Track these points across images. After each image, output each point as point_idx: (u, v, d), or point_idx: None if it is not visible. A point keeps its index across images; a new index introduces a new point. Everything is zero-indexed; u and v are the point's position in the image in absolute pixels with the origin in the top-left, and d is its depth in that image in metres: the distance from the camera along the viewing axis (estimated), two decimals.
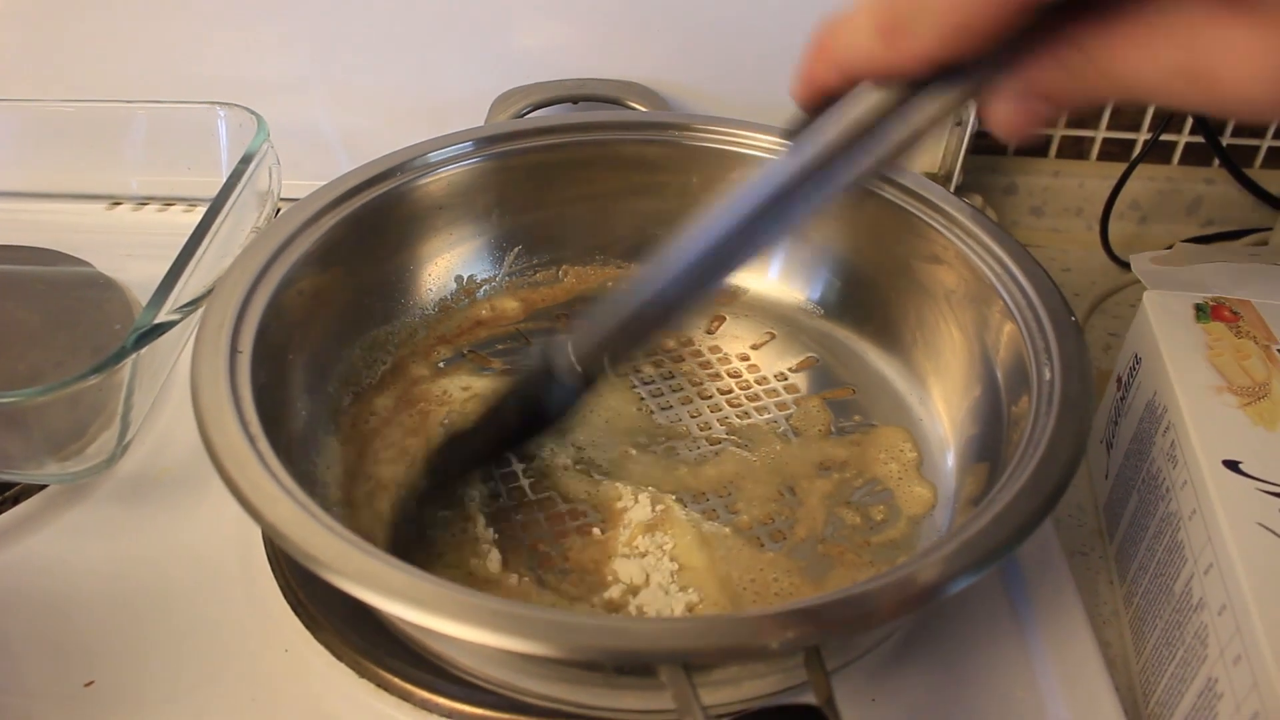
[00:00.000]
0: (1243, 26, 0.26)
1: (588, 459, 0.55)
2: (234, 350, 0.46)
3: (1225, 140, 0.82)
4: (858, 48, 0.32)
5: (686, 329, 0.65)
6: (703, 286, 0.42)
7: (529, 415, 0.51)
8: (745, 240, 0.40)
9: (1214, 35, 0.26)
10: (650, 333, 0.46)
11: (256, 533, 0.52)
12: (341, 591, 0.37)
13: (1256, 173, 0.83)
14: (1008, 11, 0.28)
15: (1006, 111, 0.32)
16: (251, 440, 0.42)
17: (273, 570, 0.51)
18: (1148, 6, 0.27)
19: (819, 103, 0.36)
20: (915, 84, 0.33)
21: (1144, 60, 0.28)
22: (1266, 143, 0.82)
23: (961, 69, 0.31)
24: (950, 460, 0.55)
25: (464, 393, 0.58)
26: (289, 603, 0.49)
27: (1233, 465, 0.46)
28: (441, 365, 0.60)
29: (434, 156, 0.61)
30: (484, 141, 0.63)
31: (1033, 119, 0.32)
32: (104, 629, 0.49)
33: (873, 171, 0.36)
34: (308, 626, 0.48)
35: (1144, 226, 0.84)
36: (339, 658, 0.47)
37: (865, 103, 0.35)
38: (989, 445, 0.52)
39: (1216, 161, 0.82)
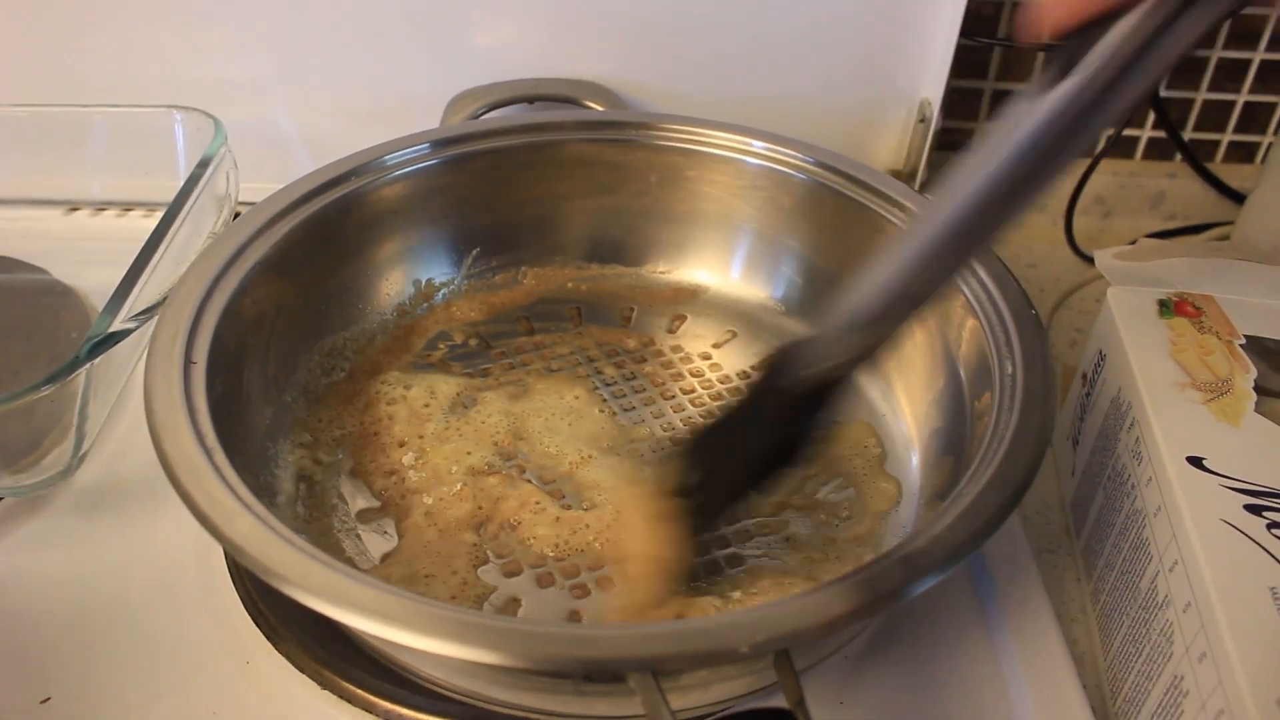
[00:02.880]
0: None
1: (551, 465, 0.54)
2: (188, 361, 0.46)
3: (1187, 135, 0.82)
4: None
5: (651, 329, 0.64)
6: (983, 235, 0.38)
7: (775, 441, 0.45)
8: (1015, 191, 0.35)
9: None
10: (917, 305, 0.40)
11: (217, 544, 0.51)
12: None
13: (1218, 167, 0.83)
14: None
15: None
16: (208, 453, 0.41)
17: (233, 581, 0.50)
18: None
19: (1079, 28, 0.32)
20: None
21: None
22: (1227, 137, 0.83)
23: None
24: (914, 455, 0.56)
25: (428, 395, 0.57)
26: (250, 614, 0.48)
27: (1196, 462, 0.46)
28: (400, 371, 0.60)
29: (389, 159, 0.60)
30: (440, 144, 0.62)
31: None
32: (61, 644, 0.48)
33: (1147, 93, 0.32)
34: (269, 638, 0.47)
35: (1108, 221, 0.85)
36: (301, 669, 0.46)
37: (1138, 17, 0.31)
38: (953, 439, 0.52)
39: (1179, 156, 0.83)
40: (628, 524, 0.49)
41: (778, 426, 0.44)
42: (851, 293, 0.40)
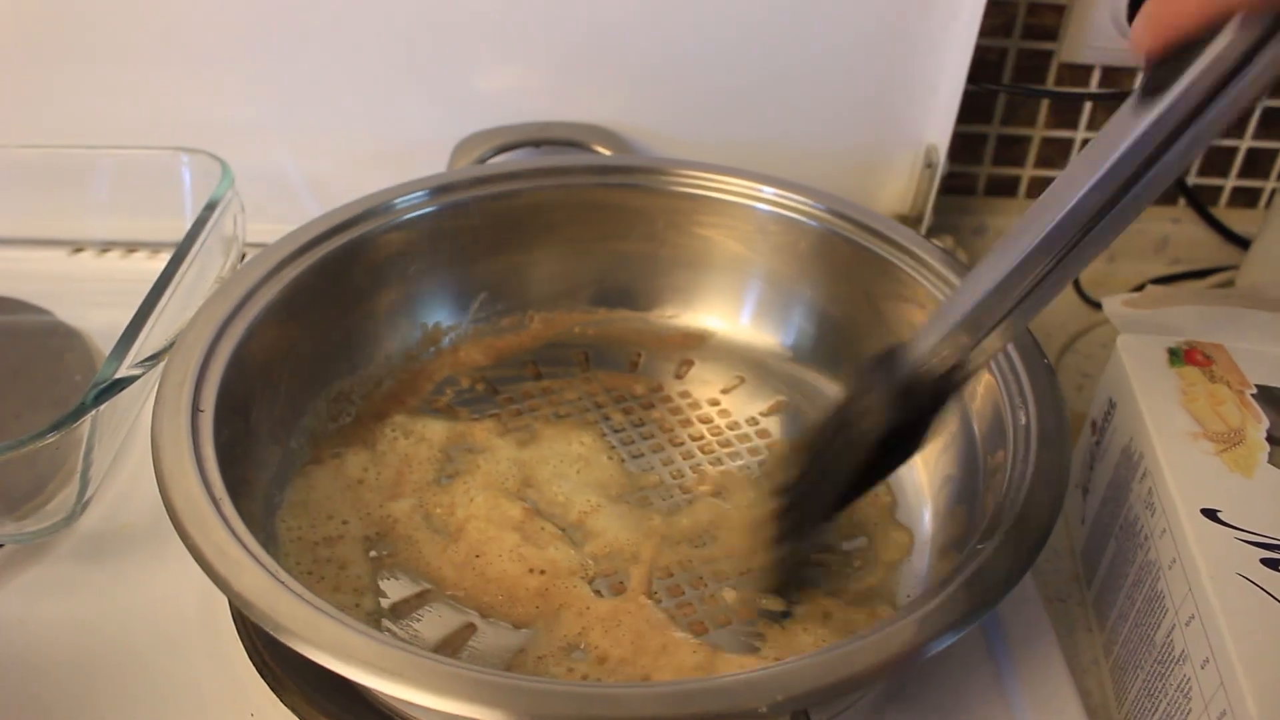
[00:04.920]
0: None
1: (560, 513, 0.54)
2: (195, 409, 0.45)
3: (1191, 180, 0.82)
4: None
5: (657, 370, 0.64)
6: (1068, 260, 0.39)
7: (883, 443, 0.44)
8: (1117, 200, 0.37)
9: None
10: (1008, 314, 0.40)
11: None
12: None
13: (1221, 211, 0.83)
14: None
15: None
16: (216, 504, 0.41)
17: (238, 630, 0.49)
18: None
19: (1168, 53, 0.33)
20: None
21: None
22: (1231, 182, 0.83)
23: None
24: (926, 504, 0.55)
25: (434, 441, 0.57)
26: (254, 664, 0.48)
27: (1211, 514, 0.46)
28: (406, 416, 0.59)
29: (398, 203, 0.60)
30: (447, 188, 0.62)
31: None
32: (63, 692, 0.47)
33: (1239, 113, 0.34)
34: (273, 689, 0.46)
35: (1112, 265, 0.85)
36: None
37: (1230, 42, 0.32)
38: (966, 489, 0.52)
39: (1183, 201, 0.83)
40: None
41: (884, 429, 0.43)
42: (954, 296, 0.41)
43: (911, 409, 0.43)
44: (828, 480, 0.45)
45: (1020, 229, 0.39)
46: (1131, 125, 0.35)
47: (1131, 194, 0.36)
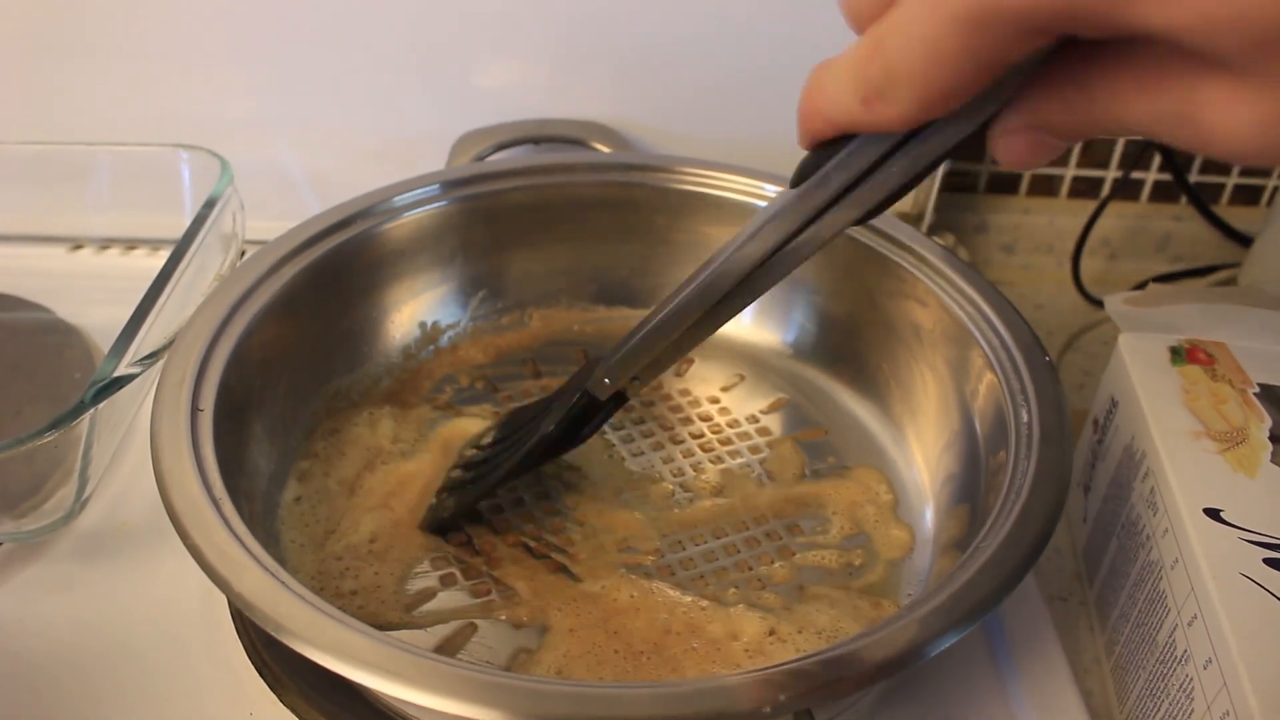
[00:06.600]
0: (1228, 82, 0.26)
1: (559, 509, 0.54)
2: (195, 409, 0.45)
3: (1193, 178, 0.82)
4: (841, 106, 0.33)
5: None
6: (713, 313, 0.45)
7: (565, 430, 0.51)
8: (759, 274, 0.43)
9: (1204, 88, 0.27)
10: (662, 353, 0.47)
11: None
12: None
13: (1223, 209, 0.83)
14: (985, 75, 0.29)
15: (1009, 144, 0.32)
16: (216, 504, 0.41)
17: (236, 629, 0.49)
18: (1142, 55, 0.28)
19: (819, 146, 0.36)
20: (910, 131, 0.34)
21: (1141, 102, 0.29)
22: (1233, 180, 0.83)
23: (957, 114, 0.31)
24: (928, 502, 0.55)
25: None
26: (253, 663, 0.48)
27: (1214, 514, 0.46)
28: (406, 414, 0.59)
29: (397, 201, 0.60)
30: (448, 185, 0.62)
31: (1035, 152, 0.32)
32: (61, 692, 0.47)
33: (880, 205, 0.37)
34: (273, 688, 0.46)
35: (1114, 263, 0.85)
36: None
37: (864, 150, 0.35)
38: (968, 487, 0.51)
39: (1184, 199, 0.83)
40: None
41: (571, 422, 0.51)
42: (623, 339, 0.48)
43: (584, 418, 0.51)
44: (508, 452, 0.52)
45: (684, 283, 0.45)
46: (780, 203, 0.40)
47: (774, 259, 0.42)
